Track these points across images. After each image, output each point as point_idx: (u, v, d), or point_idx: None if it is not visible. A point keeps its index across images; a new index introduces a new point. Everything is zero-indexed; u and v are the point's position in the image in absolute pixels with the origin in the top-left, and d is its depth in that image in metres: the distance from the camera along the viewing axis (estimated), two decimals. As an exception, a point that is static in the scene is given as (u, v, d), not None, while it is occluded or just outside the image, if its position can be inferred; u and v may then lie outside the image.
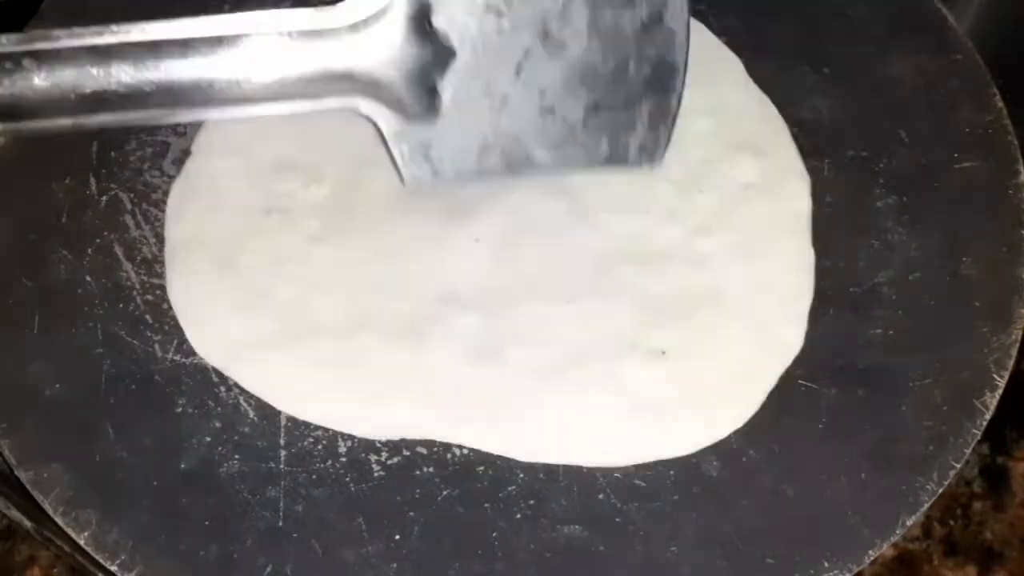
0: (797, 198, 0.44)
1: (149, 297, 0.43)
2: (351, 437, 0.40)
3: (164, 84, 0.37)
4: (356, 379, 0.41)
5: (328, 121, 0.44)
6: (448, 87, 0.39)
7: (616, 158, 0.42)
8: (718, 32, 0.49)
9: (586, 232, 0.43)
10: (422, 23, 0.38)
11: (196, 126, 0.46)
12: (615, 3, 0.39)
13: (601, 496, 0.39)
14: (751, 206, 0.44)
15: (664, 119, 0.41)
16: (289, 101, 0.39)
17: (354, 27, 0.37)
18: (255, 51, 0.37)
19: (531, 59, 0.39)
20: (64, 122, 0.36)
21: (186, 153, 0.46)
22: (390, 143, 0.40)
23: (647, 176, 0.44)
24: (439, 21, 0.38)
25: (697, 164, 0.45)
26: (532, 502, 0.38)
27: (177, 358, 0.41)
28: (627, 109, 0.41)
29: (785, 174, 0.45)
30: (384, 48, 0.38)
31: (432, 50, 0.38)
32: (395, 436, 0.40)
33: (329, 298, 0.42)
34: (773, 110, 0.47)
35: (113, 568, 0.37)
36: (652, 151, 0.42)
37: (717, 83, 0.47)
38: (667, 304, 0.42)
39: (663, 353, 0.41)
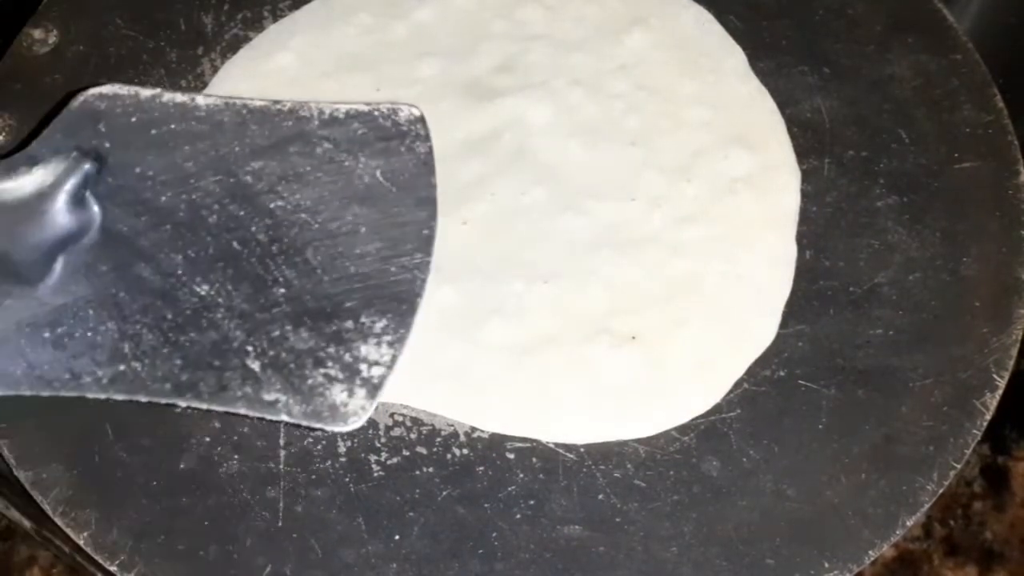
0: (786, 193, 0.45)
1: (149, 297, 0.43)
2: (351, 437, 0.40)
3: None
4: None
5: (335, 83, 0.44)
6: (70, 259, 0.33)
7: (318, 396, 0.34)
8: (718, 32, 0.49)
9: (571, 217, 0.44)
10: (78, 197, 0.34)
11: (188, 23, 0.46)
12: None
13: (601, 496, 0.39)
14: (738, 198, 0.44)
15: (388, 362, 0.34)
16: None
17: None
18: None
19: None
20: None
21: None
22: None
23: (637, 165, 0.45)
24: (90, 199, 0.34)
25: (690, 154, 0.45)
26: (532, 502, 0.38)
27: (177, 358, 0.41)
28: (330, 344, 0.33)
29: (776, 169, 0.45)
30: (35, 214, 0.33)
31: (77, 219, 0.34)
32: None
33: None
34: (771, 103, 0.47)
35: (113, 568, 0.37)
36: (360, 402, 0.34)
37: (717, 73, 0.47)
38: (643, 290, 0.42)
39: (633, 338, 0.41)
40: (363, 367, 0.31)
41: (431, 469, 0.39)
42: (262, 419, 0.32)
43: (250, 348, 0.31)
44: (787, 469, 0.39)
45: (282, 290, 0.32)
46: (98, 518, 0.38)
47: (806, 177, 0.45)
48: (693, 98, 0.46)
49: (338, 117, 0.34)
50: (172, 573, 0.37)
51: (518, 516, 0.38)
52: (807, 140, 0.46)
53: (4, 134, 0.46)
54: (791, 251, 0.43)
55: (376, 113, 0.34)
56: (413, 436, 0.40)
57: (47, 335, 0.32)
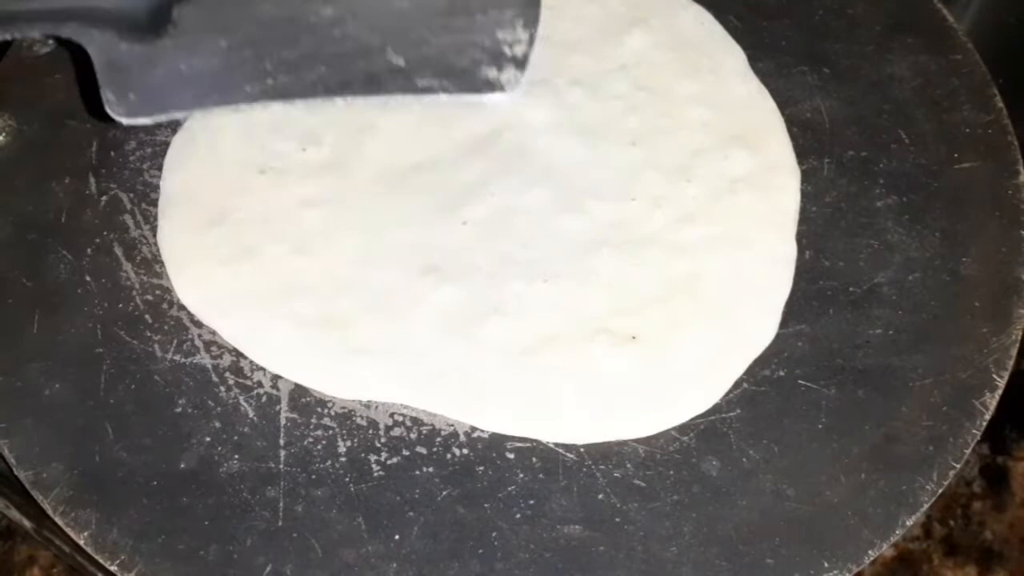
0: (786, 192, 0.45)
1: (149, 297, 0.43)
2: (351, 437, 0.40)
3: None
4: (332, 339, 0.41)
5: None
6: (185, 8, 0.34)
7: (470, 76, 0.36)
8: (718, 32, 0.49)
9: (571, 217, 0.44)
10: None
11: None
12: None
13: (601, 496, 0.39)
14: (739, 198, 0.44)
15: (527, 39, 0.35)
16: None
17: None
18: None
19: None
20: None
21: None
22: (100, 73, 0.35)
23: (637, 165, 0.45)
24: None
25: (689, 154, 0.45)
26: (532, 502, 0.38)
27: (177, 358, 0.41)
28: (485, 17, 0.34)
29: (776, 169, 0.45)
30: None
31: None
32: (363, 398, 0.40)
33: (315, 261, 0.43)
34: (771, 103, 0.47)
35: (113, 568, 0.37)
36: (511, 73, 0.36)
37: (717, 73, 0.48)
38: (643, 290, 0.42)
39: (633, 338, 0.41)
40: (505, 48, 0.33)
41: (431, 469, 0.39)
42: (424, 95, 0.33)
43: (391, 48, 0.32)
44: (787, 469, 0.39)
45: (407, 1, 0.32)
46: (98, 518, 0.38)
47: (806, 177, 0.45)
48: (693, 98, 0.46)
49: None
50: (172, 573, 0.37)
51: (518, 516, 0.38)
52: (807, 140, 0.46)
53: (4, 134, 0.46)
54: (791, 251, 0.43)
55: None
56: (413, 436, 0.40)
57: (184, 68, 0.33)
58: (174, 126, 0.46)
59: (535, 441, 0.40)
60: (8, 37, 0.35)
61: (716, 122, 0.46)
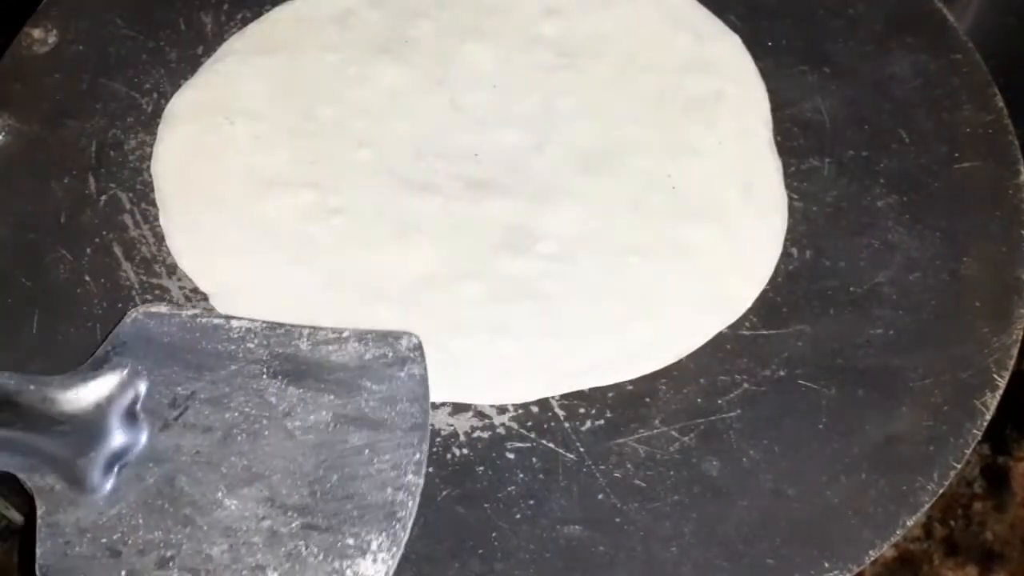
0: (758, 103, 0.47)
1: (148, 297, 0.43)
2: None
3: None
4: (334, 281, 0.43)
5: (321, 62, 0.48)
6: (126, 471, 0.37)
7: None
8: (718, 32, 0.49)
9: (553, 149, 0.46)
10: (131, 412, 0.38)
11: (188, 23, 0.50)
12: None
13: (601, 496, 0.39)
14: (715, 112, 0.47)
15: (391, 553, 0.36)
16: None
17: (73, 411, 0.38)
18: None
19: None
20: None
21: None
22: (38, 525, 0.37)
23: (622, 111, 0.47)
24: (139, 413, 0.38)
25: (665, 89, 0.48)
26: (532, 502, 0.38)
27: (177, 358, 0.41)
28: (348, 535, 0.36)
29: (744, 84, 0.48)
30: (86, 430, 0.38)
31: (128, 432, 0.38)
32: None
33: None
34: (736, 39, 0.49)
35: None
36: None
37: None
38: (643, 220, 0.44)
39: (639, 266, 0.43)
40: None
41: (431, 469, 0.39)
42: None
43: (269, 561, 0.35)
44: (787, 469, 0.39)
45: (296, 509, 0.36)
46: (98, 518, 0.38)
47: (806, 177, 0.45)
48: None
49: (348, 340, 0.39)
50: (172, 573, 0.37)
51: (518, 516, 0.38)
52: (807, 140, 0.46)
53: (4, 134, 0.46)
54: (775, 162, 0.45)
55: (385, 340, 0.39)
56: (413, 436, 0.40)
57: (104, 541, 0.36)
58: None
59: (535, 441, 0.40)
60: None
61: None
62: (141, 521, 0.36)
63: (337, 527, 0.36)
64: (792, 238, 0.44)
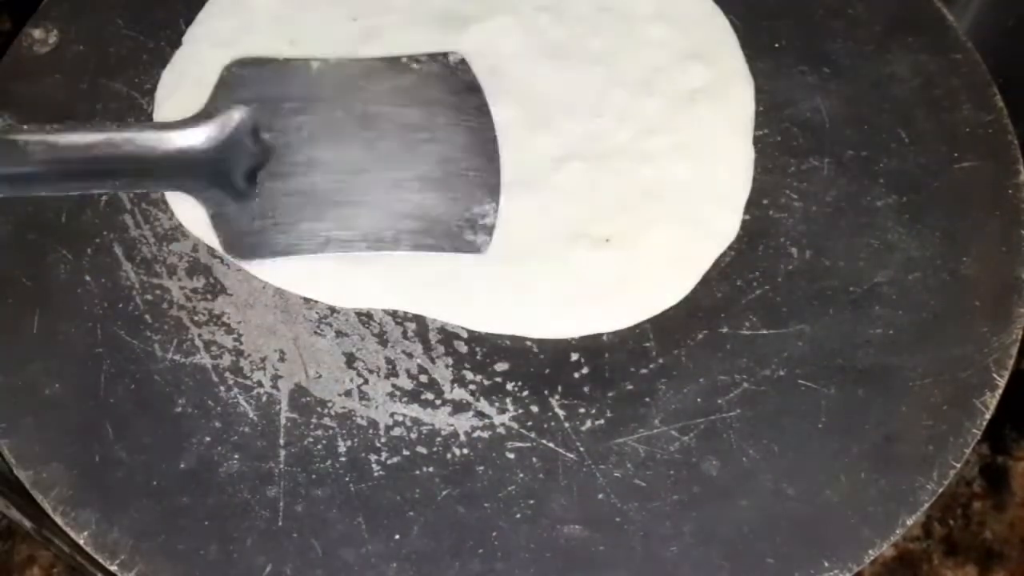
0: (742, 103, 0.47)
1: (149, 297, 0.43)
2: (351, 436, 0.40)
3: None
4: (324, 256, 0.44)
5: (315, 15, 0.49)
6: (266, 178, 0.45)
7: (457, 239, 0.44)
8: (718, 31, 0.49)
9: (542, 133, 0.46)
10: (255, 133, 0.45)
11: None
12: None
13: (601, 496, 0.39)
14: (697, 109, 0.47)
15: (493, 213, 0.44)
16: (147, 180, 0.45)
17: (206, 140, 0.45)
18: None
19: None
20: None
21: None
22: (213, 223, 0.44)
23: (601, 83, 0.47)
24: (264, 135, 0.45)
25: (649, 71, 0.48)
26: (532, 502, 0.38)
27: (177, 358, 0.41)
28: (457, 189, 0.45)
29: (731, 80, 0.48)
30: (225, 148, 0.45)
31: (260, 149, 0.45)
32: (362, 306, 0.42)
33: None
34: (723, 20, 0.49)
35: (113, 568, 0.37)
36: (483, 239, 0.44)
37: None
38: (614, 197, 0.45)
39: (607, 240, 0.44)
40: (478, 219, 0.44)
41: (431, 469, 0.39)
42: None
43: (408, 214, 0.44)
44: (787, 469, 0.39)
45: (413, 173, 0.45)
46: (98, 518, 0.38)
47: (806, 177, 0.45)
48: (650, 17, 0.49)
49: (419, 59, 0.47)
50: (172, 573, 0.37)
51: (518, 516, 0.38)
52: (807, 140, 0.46)
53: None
54: (749, 153, 0.46)
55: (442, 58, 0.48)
56: (413, 436, 0.40)
57: (270, 219, 0.44)
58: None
59: (535, 441, 0.40)
60: (140, 190, 0.45)
61: (673, 39, 0.48)
62: (291, 206, 0.44)
63: (448, 184, 0.44)
64: (792, 238, 0.44)
